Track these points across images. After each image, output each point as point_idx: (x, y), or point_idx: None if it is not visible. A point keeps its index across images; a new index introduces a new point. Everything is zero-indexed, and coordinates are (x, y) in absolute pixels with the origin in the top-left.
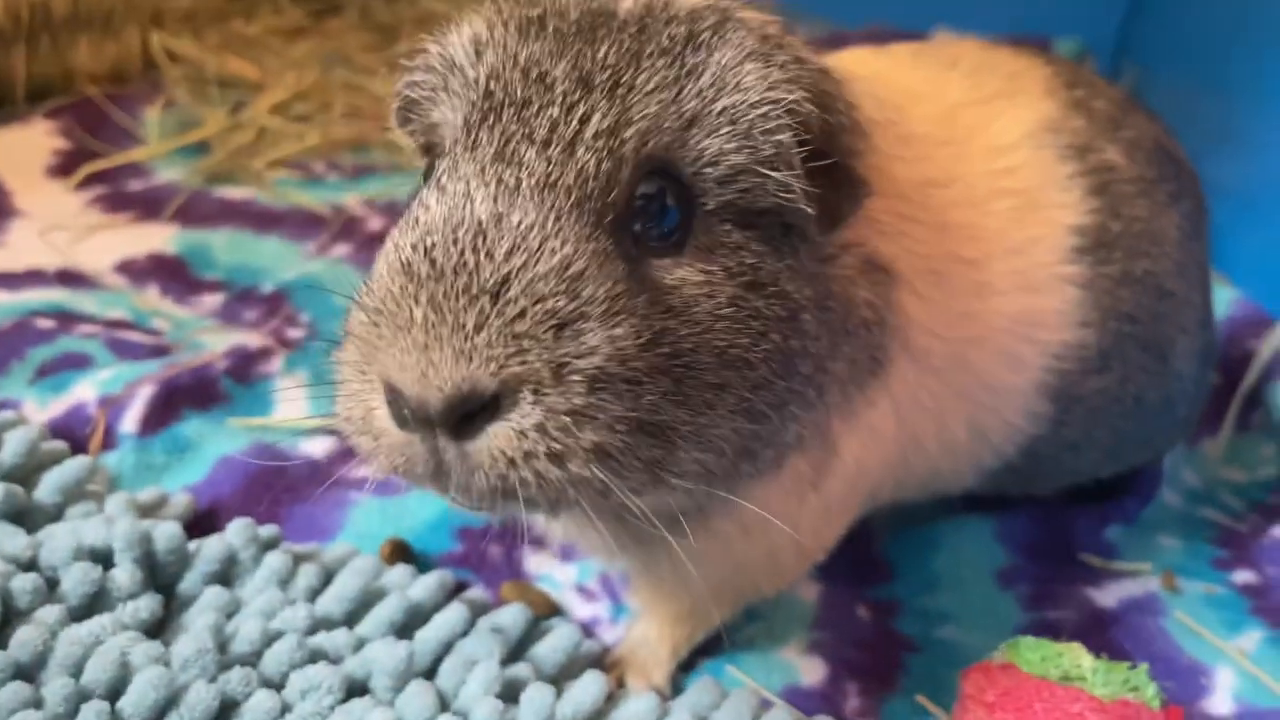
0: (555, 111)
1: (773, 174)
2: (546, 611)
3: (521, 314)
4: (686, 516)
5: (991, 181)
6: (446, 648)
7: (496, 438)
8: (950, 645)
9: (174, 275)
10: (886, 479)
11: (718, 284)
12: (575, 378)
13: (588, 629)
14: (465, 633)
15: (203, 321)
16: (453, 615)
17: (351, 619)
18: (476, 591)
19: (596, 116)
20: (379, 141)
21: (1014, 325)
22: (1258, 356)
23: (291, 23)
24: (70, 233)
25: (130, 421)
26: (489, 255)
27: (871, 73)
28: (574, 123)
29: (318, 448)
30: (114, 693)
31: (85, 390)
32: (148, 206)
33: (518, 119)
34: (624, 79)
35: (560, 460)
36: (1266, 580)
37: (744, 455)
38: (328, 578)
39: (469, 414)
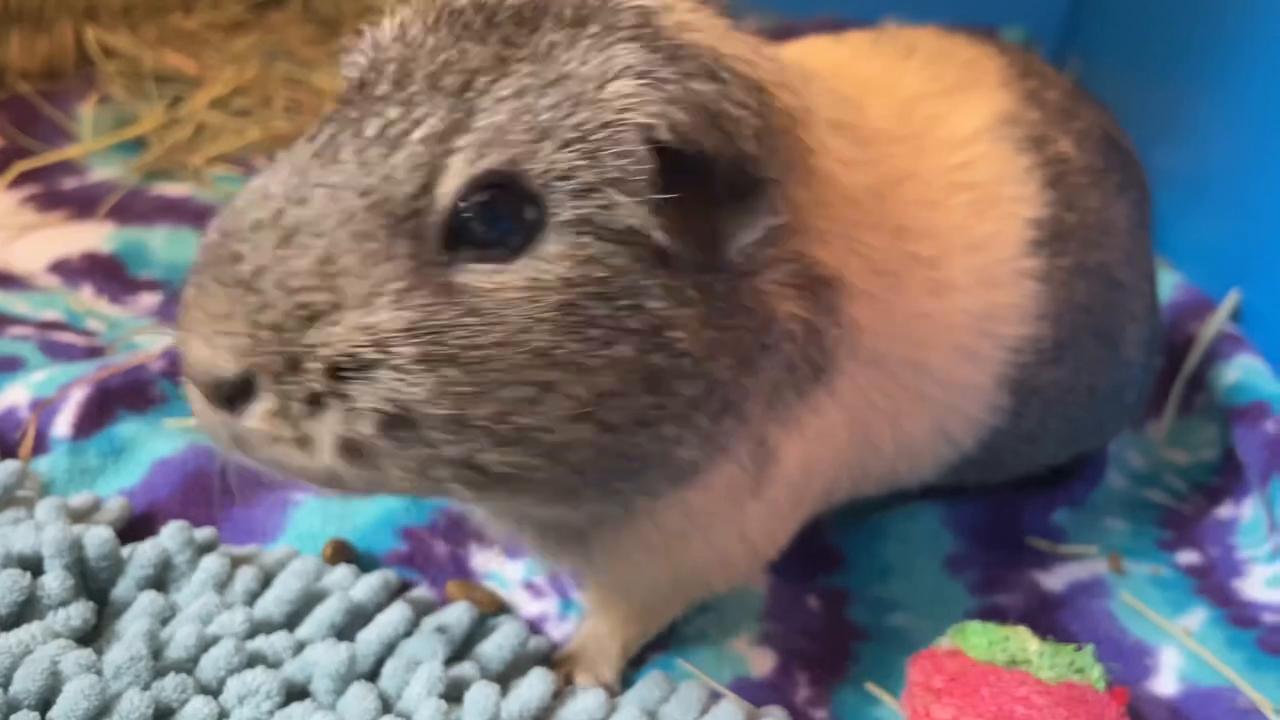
0: (394, 111)
1: (619, 197)
2: (493, 609)
3: (267, 305)
4: (597, 526)
5: (949, 176)
6: (389, 648)
7: (251, 418)
8: (900, 632)
9: (109, 275)
10: (840, 480)
11: (546, 290)
12: (313, 365)
13: (535, 626)
14: (409, 633)
15: (139, 321)
16: (395, 615)
17: (291, 621)
18: (421, 591)
19: (430, 120)
20: None
21: (973, 321)
22: (1199, 340)
23: (231, 16)
24: (2, 233)
25: (63, 425)
26: (256, 247)
27: (831, 63)
28: (405, 123)
29: None
30: (44, 703)
31: (17, 393)
32: (82, 205)
33: (357, 114)
34: (478, 84)
35: (306, 447)
36: (1210, 560)
37: (616, 474)
38: (267, 580)
39: (232, 395)
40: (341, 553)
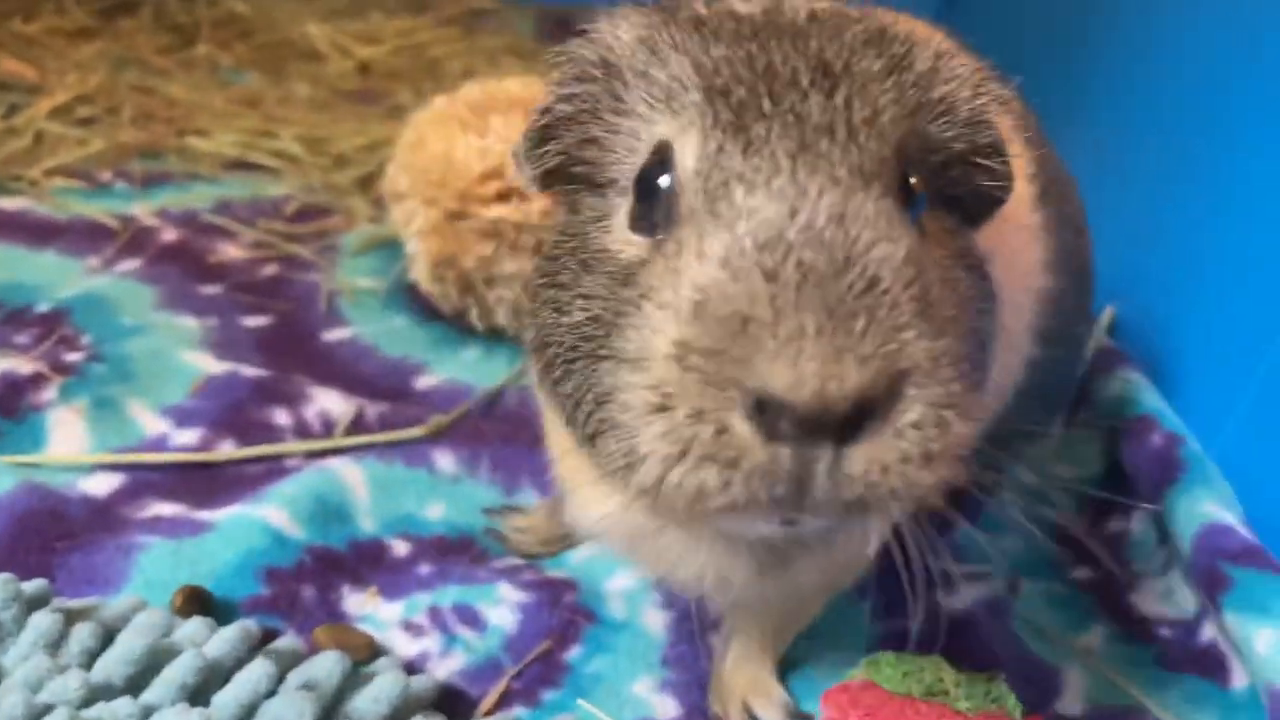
0: (819, 98)
1: (987, 162)
2: (368, 655)
3: (896, 305)
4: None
5: None
6: (250, 711)
7: (876, 443)
8: (808, 666)
9: None
10: None
11: (957, 265)
12: (946, 361)
13: (416, 666)
14: (272, 692)
15: None
16: (256, 673)
17: (136, 685)
18: (287, 640)
19: (857, 104)
20: (173, 147)
21: (1017, 278)
22: (1083, 355)
23: (76, 23)
24: None
25: None
26: (852, 249)
27: None
28: (840, 108)
29: (99, 485)
30: None
31: None
32: None
33: (787, 110)
34: (854, 65)
35: (930, 462)
36: (1104, 575)
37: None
38: (108, 637)
39: (859, 418)
40: (194, 602)
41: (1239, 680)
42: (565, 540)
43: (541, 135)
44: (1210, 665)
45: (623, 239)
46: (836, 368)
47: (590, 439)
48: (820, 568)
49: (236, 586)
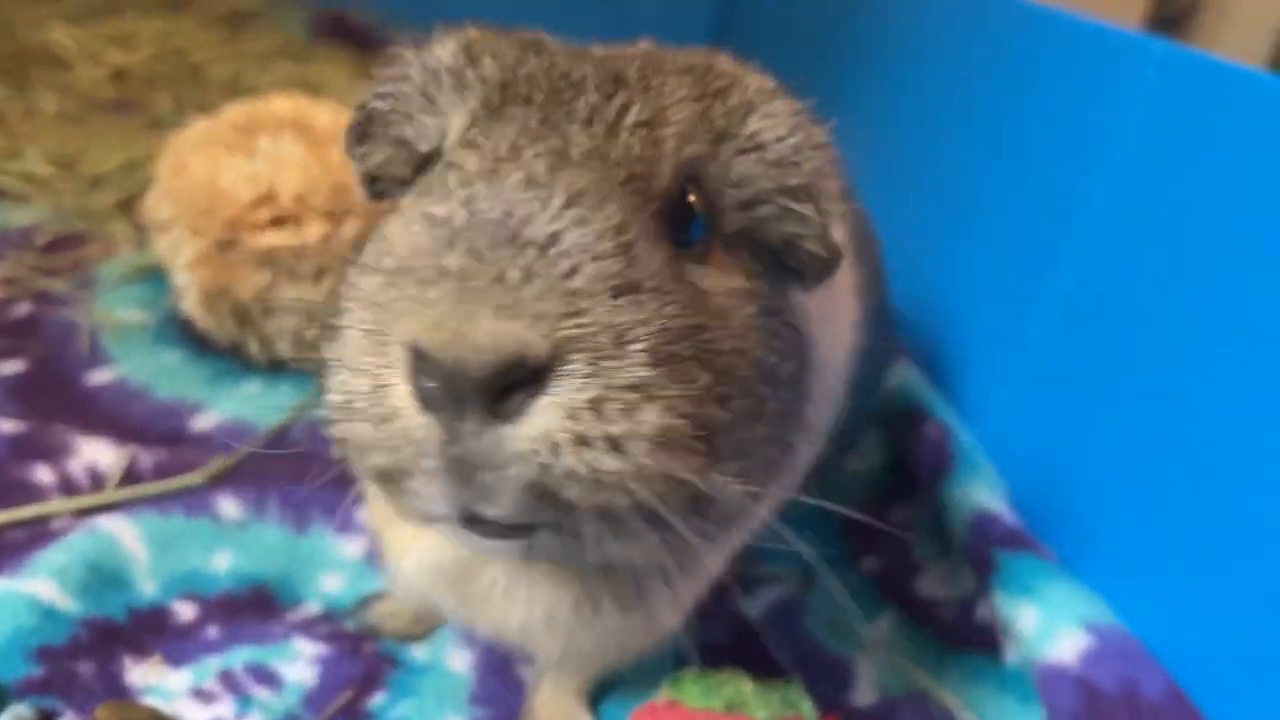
0: (593, 98)
1: (795, 206)
2: None
3: (576, 269)
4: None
5: None
6: None
7: (540, 416)
8: (616, 688)
9: None
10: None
11: (743, 298)
12: (637, 346)
13: None
14: None
15: None
16: None
17: None
18: None
19: (635, 108)
20: None
21: (842, 339)
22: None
23: None
24: None
25: None
26: (542, 205)
27: None
28: (613, 111)
29: None
30: None
31: None
32: None
33: (552, 102)
34: (653, 83)
35: (620, 447)
36: (890, 565)
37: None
38: None
39: (510, 386)
40: None
41: (1012, 654)
42: (439, 614)
43: (360, 133)
44: (986, 641)
45: None
46: (470, 315)
47: None
48: (633, 623)
49: (6, 669)
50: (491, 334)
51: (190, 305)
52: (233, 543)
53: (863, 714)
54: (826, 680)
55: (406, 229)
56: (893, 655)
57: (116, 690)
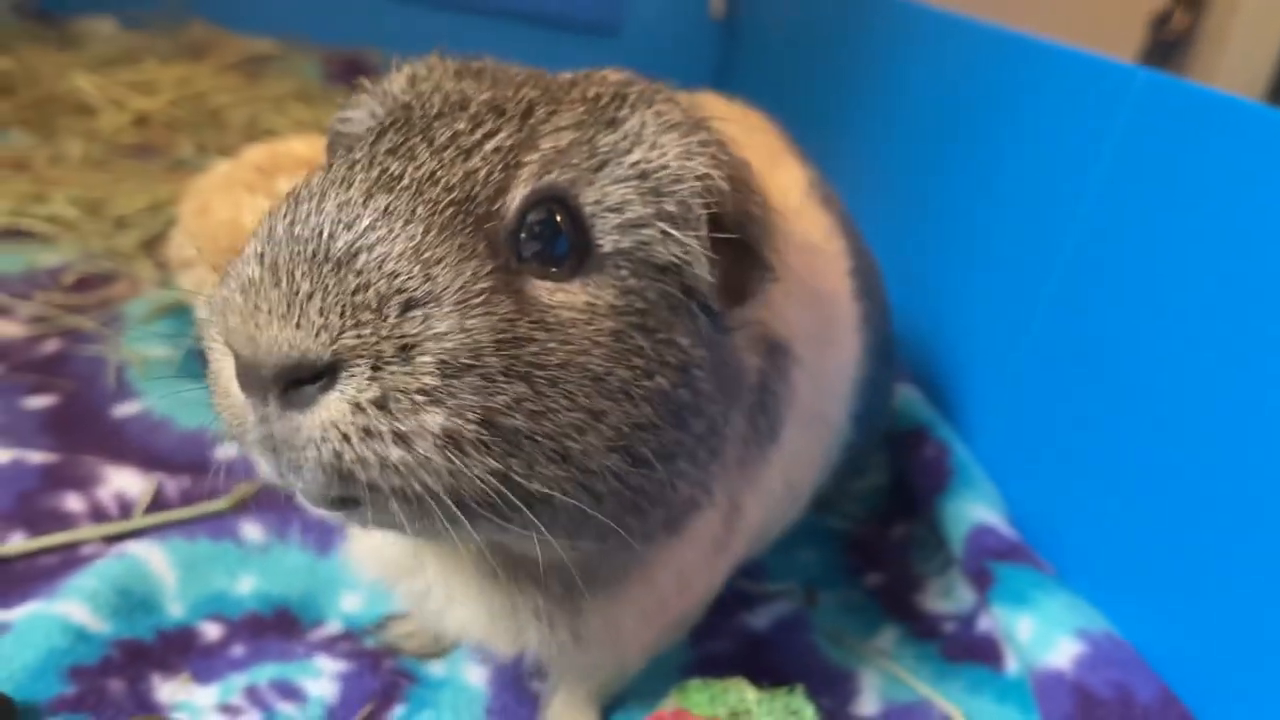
0: (462, 125)
1: (674, 232)
2: None
3: (365, 285)
4: (599, 581)
5: (808, 243)
6: None
7: (328, 408)
8: (629, 697)
9: None
10: (771, 529)
11: (601, 315)
12: (425, 358)
13: None
14: None
15: None
16: None
17: None
18: None
19: (501, 135)
20: None
21: (843, 369)
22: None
23: None
24: None
25: None
26: (347, 227)
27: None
28: (477, 136)
29: None
30: None
31: None
32: None
33: (424, 126)
34: (539, 112)
35: (406, 441)
36: (892, 580)
37: (630, 509)
38: None
39: (300, 380)
40: None
41: (1012, 665)
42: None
43: (328, 154)
44: (987, 653)
45: None
46: (259, 323)
47: None
48: (626, 626)
49: (39, 689)
50: (274, 339)
51: None
52: (256, 565)
53: None
54: (830, 691)
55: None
56: (895, 667)
57: (146, 707)
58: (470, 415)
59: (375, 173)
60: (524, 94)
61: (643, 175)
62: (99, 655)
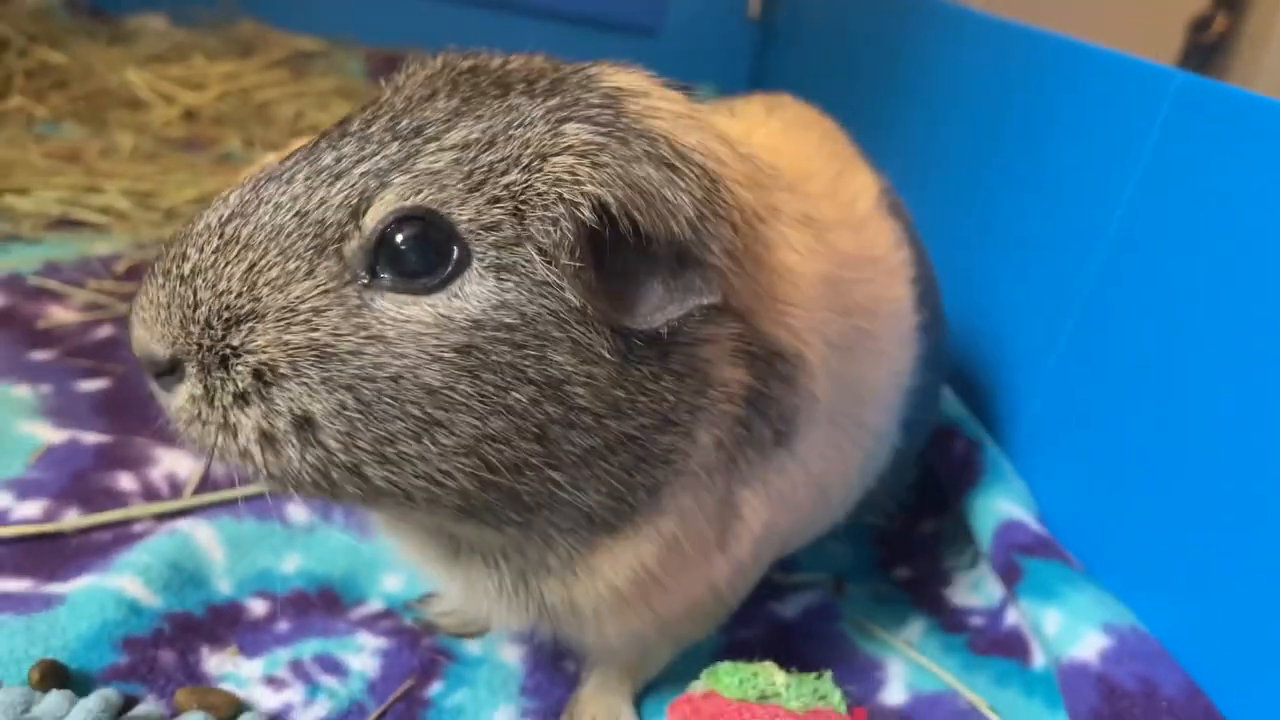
0: (350, 146)
1: (537, 256)
2: (231, 712)
3: (199, 303)
4: (549, 567)
5: (868, 252)
6: None
7: (178, 395)
8: (658, 681)
9: None
10: (799, 531)
11: (451, 330)
12: (241, 367)
13: (280, 718)
14: None
15: None
16: None
17: None
18: (148, 706)
19: (376, 158)
20: None
21: (893, 379)
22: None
23: None
24: None
25: None
26: (200, 250)
27: (778, 152)
28: (355, 158)
29: None
30: None
31: None
32: None
33: (324, 146)
34: (428, 132)
35: (231, 432)
36: (921, 573)
37: (508, 506)
38: None
39: (160, 372)
40: (52, 676)
41: (1039, 659)
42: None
43: None
44: (1014, 647)
45: None
46: (133, 322)
47: None
48: (621, 612)
49: (93, 658)
50: (136, 338)
51: None
52: (301, 545)
53: (892, 711)
54: (857, 679)
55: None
56: (922, 657)
57: (195, 678)
58: (282, 418)
59: (249, 192)
60: (435, 109)
61: (513, 198)
62: (150, 627)
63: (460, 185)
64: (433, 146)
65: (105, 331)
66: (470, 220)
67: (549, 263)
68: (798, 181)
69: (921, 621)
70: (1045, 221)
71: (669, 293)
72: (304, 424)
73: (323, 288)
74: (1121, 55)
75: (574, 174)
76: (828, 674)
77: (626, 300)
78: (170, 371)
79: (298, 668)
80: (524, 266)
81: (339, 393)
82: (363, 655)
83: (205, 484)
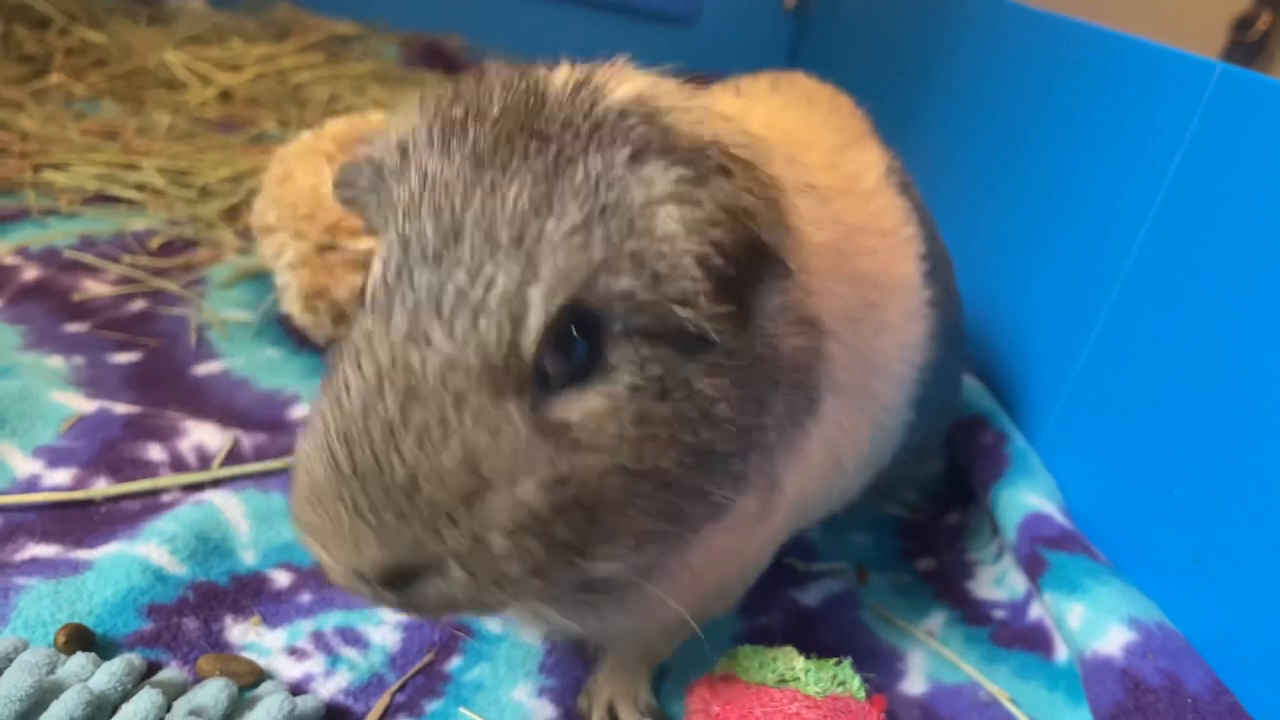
0: (462, 278)
1: (676, 309)
2: (253, 680)
3: (432, 503)
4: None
5: (875, 224)
6: None
7: (430, 592)
8: (679, 664)
9: None
10: (818, 503)
11: (622, 404)
12: (498, 540)
13: (301, 687)
14: None
15: None
16: (144, 703)
17: None
18: (171, 671)
19: (502, 279)
20: (30, 182)
21: (901, 352)
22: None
23: None
24: None
25: None
26: (398, 451)
27: (775, 126)
28: (479, 289)
29: None
30: None
31: None
32: None
33: (427, 282)
34: (530, 230)
35: (506, 587)
36: (944, 565)
37: (664, 538)
38: None
39: (400, 576)
40: (77, 639)
41: (1061, 653)
42: None
43: (338, 197)
44: (1037, 640)
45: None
46: (361, 553)
47: None
48: (664, 604)
49: (118, 624)
50: (373, 560)
51: (291, 304)
52: None
53: (911, 701)
54: (877, 667)
55: (312, 444)
56: (943, 649)
57: (217, 645)
58: (533, 560)
59: (402, 374)
60: (513, 198)
61: (641, 264)
62: (175, 595)
63: (586, 271)
64: (545, 246)
65: (138, 305)
66: (602, 297)
67: (692, 313)
68: (794, 152)
69: (944, 613)
70: (1081, 213)
71: (767, 287)
72: (556, 554)
73: (524, 428)
74: (1162, 46)
75: (686, 225)
76: (847, 661)
77: (733, 311)
78: (413, 574)
79: (319, 639)
80: (654, 322)
81: (570, 514)
82: (384, 628)
83: (232, 457)
